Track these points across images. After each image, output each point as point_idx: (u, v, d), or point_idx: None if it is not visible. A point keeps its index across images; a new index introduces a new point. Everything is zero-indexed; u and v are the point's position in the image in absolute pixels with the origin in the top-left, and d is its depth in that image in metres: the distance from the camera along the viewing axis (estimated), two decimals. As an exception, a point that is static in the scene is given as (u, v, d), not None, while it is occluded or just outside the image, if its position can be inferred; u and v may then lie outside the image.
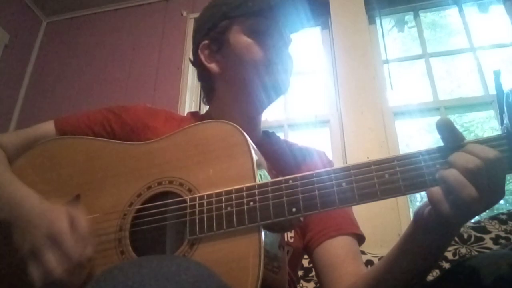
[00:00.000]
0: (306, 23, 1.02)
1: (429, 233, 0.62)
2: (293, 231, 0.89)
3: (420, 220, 0.62)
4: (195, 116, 1.05)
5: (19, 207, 0.71)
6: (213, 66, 0.99)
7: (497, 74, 0.58)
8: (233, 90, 0.99)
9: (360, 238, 0.92)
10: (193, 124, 0.77)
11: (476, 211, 0.56)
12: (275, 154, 0.99)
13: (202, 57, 1.00)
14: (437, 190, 0.55)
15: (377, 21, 2.39)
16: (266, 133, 1.07)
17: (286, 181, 0.64)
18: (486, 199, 0.54)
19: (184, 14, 2.65)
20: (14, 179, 0.79)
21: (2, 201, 0.73)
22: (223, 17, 0.97)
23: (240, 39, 0.95)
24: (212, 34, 0.99)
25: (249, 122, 0.97)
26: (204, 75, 1.03)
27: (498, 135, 0.57)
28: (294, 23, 1.00)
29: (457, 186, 0.53)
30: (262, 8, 0.93)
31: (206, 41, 1.00)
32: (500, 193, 0.55)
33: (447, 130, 0.58)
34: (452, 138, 0.58)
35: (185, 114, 1.09)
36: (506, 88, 0.57)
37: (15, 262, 0.72)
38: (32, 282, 0.64)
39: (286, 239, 0.86)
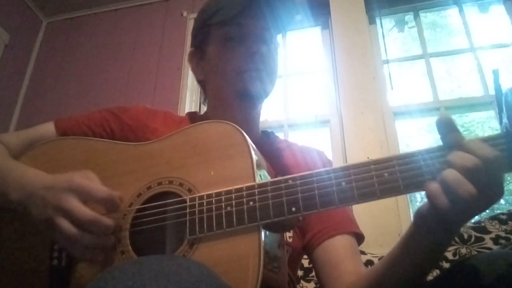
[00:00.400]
0: (288, 24, 0.99)
1: (429, 232, 0.62)
2: (292, 231, 0.89)
3: (421, 219, 0.62)
4: (193, 116, 1.05)
5: (32, 183, 0.72)
6: (198, 74, 1.03)
7: (496, 74, 0.58)
8: (216, 96, 1.01)
9: (359, 237, 0.92)
10: (193, 124, 0.77)
11: (475, 209, 0.56)
12: (274, 154, 0.99)
13: (191, 64, 1.04)
14: (434, 185, 0.55)
15: (377, 21, 2.39)
16: (265, 133, 1.08)
17: (286, 180, 0.64)
18: (486, 198, 0.55)
19: (184, 14, 2.65)
20: (20, 163, 0.81)
21: (14, 182, 0.74)
22: (202, 26, 0.99)
23: (214, 48, 0.97)
24: (195, 43, 1.02)
25: (244, 122, 0.97)
26: (197, 79, 1.07)
27: (497, 134, 0.57)
28: (273, 25, 0.97)
29: (456, 185, 0.53)
30: (231, 16, 0.92)
31: (192, 49, 1.03)
32: (499, 192, 0.55)
33: (447, 128, 0.58)
34: (452, 137, 0.58)
35: (184, 115, 1.10)
36: (505, 87, 0.57)
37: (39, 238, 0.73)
38: (64, 236, 0.65)
39: (285, 239, 0.86)
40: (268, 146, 1.01)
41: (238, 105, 0.96)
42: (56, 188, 0.68)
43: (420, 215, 0.61)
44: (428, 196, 0.56)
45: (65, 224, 0.65)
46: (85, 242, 0.65)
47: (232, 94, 0.95)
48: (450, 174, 0.54)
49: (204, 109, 2.35)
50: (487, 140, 0.57)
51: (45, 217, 0.67)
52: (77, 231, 0.64)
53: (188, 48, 2.65)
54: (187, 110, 2.33)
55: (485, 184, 0.53)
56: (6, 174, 0.76)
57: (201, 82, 1.06)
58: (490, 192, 0.54)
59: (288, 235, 0.89)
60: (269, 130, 1.10)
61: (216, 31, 0.96)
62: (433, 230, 0.61)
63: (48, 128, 0.93)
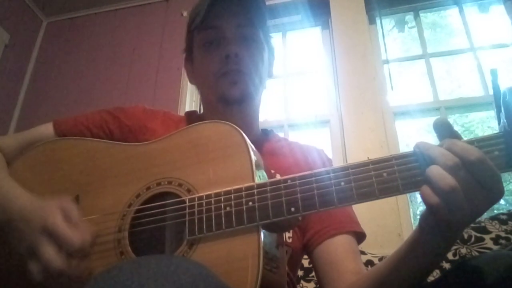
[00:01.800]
0: (265, 13, 0.97)
1: (432, 235, 0.62)
2: (291, 231, 0.89)
3: (424, 223, 0.62)
4: (192, 116, 1.05)
5: (11, 208, 0.71)
6: (191, 79, 1.05)
7: (494, 73, 0.58)
8: (205, 100, 1.03)
9: (360, 236, 0.92)
10: (192, 124, 0.77)
11: (470, 208, 0.55)
12: (274, 152, 0.99)
13: (186, 70, 1.07)
14: (425, 186, 0.56)
15: (377, 21, 2.40)
16: (264, 131, 1.08)
17: (285, 181, 0.64)
18: (481, 196, 0.54)
19: (184, 14, 2.65)
20: (7, 180, 0.79)
21: None
22: (187, 32, 1.01)
23: (197, 54, 0.98)
24: (186, 49, 1.04)
25: (240, 122, 0.96)
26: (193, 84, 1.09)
27: (496, 133, 0.57)
28: (250, 20, 0.95)
29: (437, 178, 0.54)
30: (204, 19, 0.92)
31: (184, 55, 1.05)
32: (498, 192, 0.55)
33: (444, 130, 0.58)
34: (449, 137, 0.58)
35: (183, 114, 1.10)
36: (503, 87, 0.57)
37: (14, 264, 0.72)
38: (34, 279, 0.63)
39: (284, 240, 0.85)
40: (267, 144, 1.01)
41: (223, 109, 0.95)
42: (32, 225, 0.66)
43: (423, 219, 0.62)
44: (421, 197, 0.56)
45: (35, 269, 0.63)
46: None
47: (215, 99, 0.95)
48: (433, 169, 0.55)
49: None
50: (485, 139, 0.57)
51: (21, 251, 0.66)
52: (45, 279, 0.63)
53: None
54: (187, 110, 2.33)
55: (473, 181, 0.53)
56: None
57: (196, 86, 1.07)
58: (486, 191, 0.54)
59: (288, 235, 0.88)
60: (268, 128, 1.10)
61: (197, 37, 0.98)
62: (435, 233, 0.61)
63: (46, 129, 0.93)
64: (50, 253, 0.63)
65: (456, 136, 0.58)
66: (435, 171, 0.54)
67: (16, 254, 0.68)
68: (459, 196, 0.53)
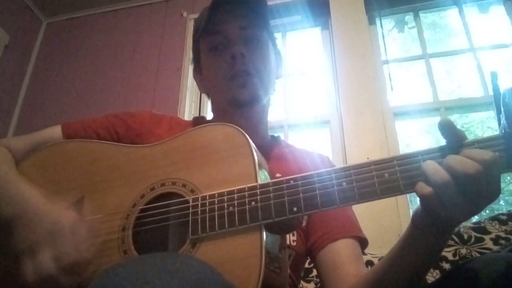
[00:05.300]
0: (267, 14, 0.97)
1: (426, 233, 0.63)
2: (295, 234, 0.90)
3: (417, 221, 0.63)
4: (200, 121, 1.05)
5: (25, 204, 0.72)
6: (202, 88, 1.07)
7: (494, 76, 0.59)
8: (216, 106, 1.04)
9: (363, 242, 0.93)
10: (196, 127, 0.77)
11: (467, 213, 0.56)
12: (280, 157, 1.00)
13: (195, 81, 1.08)
14: (420, 183, 0.57)
15: (377, 21, 2.40)
16: (272, 137, 1.09)
17: (287, 181, 0.65)
18: (483, 199, 0.55)
19: (184, 14, 2.65)
20: (21, 178, 0.80)
21: (8, 197, 0.74)
22: (194, 41, 1.03)
23: (204, 60, 0.99)
24: (193, 59, 1.06)
25: (249, 127, 0.97)
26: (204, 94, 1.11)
27: (496, 135, 0.58)
28: (253, 22, 0.95)
29: (430, 171, 0.55)
30: (207, 24, 0.93)
31: (193, 65, 1.06)
32: (496, 191, 0.56)
33: (449, 131, 0.59)
34: (454, 138, 0.59)
35: (187, 117, 1.11)
36: (503, 89, 0.57)
37: (12, 259, 0.72)
38: (25, 279, 0.64)
39: (288, 243, 0.86)
40: (275, 149, 1.02)
41: (235, 113, 0.95)
42: (41, 227, 0.67)
43: (416, 217, 0.62)
44: (416, 192, 0.57)
45: (28, 269, 0.65)
46: None
47: (226, 103, 0.96)
48: (427, 164, 0.56)
49: (203, 108, 2.36)
50: (486, 140, 0.57)
51: (19, 249, 0.67)
52: (35, 282, 0.64)
53: (188, 48, 2.66)
54: (187, 111, 2.33)
55: (485, 188, 0.54)
56: (4, 188, 0.76)
57: (207, 95, 1.08)
58: (487, 192, 0.55)
59: (292, 238, 0.89)
60: (276, 134, 1.11)
61: (202, 44, 0.98)
62: (429, 230, 0.62)
63: (55, 131, 0.94)
64: (46, 256, 0.64)
65: (460, 135, 0.59)
66: (430, 166, 0.56)
67: (15, 250, 0.69)
68: (451, 189, 0.54)
